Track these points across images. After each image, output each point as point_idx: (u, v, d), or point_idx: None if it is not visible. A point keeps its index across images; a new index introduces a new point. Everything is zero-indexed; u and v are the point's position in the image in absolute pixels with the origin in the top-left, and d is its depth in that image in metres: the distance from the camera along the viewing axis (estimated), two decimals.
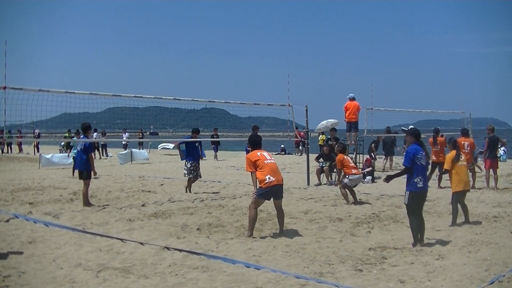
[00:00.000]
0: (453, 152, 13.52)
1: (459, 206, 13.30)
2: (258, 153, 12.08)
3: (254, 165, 11.91)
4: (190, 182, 19.60)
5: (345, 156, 17.71)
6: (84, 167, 16.21)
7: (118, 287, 8.10)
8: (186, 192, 19.13)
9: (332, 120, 26.30)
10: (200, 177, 19.97)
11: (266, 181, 11.67)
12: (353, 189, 16.97)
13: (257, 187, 11.89)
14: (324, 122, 26.42)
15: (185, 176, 19.68)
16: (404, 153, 11.51)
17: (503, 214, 14.16)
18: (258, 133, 26.31)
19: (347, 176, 17.03)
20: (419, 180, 10.92)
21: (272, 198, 12.04)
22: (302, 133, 31.31)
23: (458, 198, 13.36)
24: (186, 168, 19.41)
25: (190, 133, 20.09)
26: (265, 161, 11.87)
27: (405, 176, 11.10)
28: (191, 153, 19.54)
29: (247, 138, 13.68)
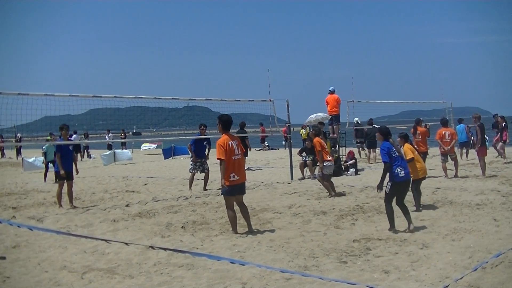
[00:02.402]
0: (408, 144, 14.22)
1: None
2: (229, 143, 11.42)
3: (226, 154, 11.34)
4: (193, 176, 19.76)
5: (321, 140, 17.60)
6: (56, 168, 16.20)
7: None
8: (190, 189, 18.99)
9: (321, 114, 26.29)
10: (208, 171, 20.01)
11: (230, 179, 11.40)
12: (331, 180, 17.00)
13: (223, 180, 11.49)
14: (313, 116, 26.42)
15: (190, 171, 19.76)
16: (380, 151, 11.73)
17: (486, 202, 14.26)
18: (245, 129, 26.31)
19: (324, 163, 17.00)
20: (399, 170, 11.29)
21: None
22: (284, 128, 31.35)
23: (419, 184, 14.04)
24: (192, 163, 19.52)
25: (198, 130, 20.20)
26: (233, 157, 11.42)
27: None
28: (199, 150, 19.63)
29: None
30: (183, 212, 14.61)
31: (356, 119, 27.90)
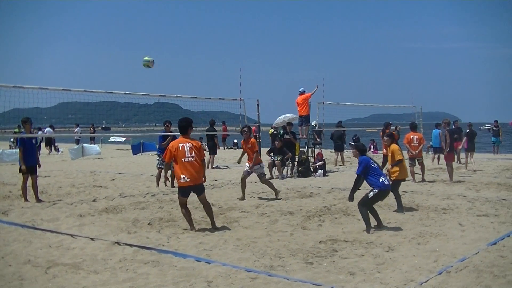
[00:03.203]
0: (395, 145, 14.48)
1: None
2: (180, 145, 11.58)
3: (172, 157, 11.63)
4: (160, 173, 19.71)
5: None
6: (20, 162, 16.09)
7: (68, 283, 8.01)
8: (166, 185, 18.91)
9: (289, 115, 26.33)
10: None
11: (180, 180, 11.61)
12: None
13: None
14: (281, 117, 26.47)
15: (157, 168, 19.78)
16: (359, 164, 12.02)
17: (452, 207, 14.39)
18: (215, 127, 26.26)
19: (260, 165, 16.85)
20: (383, 179, 11.73)
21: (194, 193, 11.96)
22: (254, 127, 31.39)
23: (399, 185, 14.40)
24: (159, 160, 19.55)
25: (163, 127, 20.26)
26: (183, 159, 11.51)
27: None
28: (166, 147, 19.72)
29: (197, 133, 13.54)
30: (150, 209, 14.57)
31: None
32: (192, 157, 11.57)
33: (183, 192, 11.76)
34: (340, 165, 28.90)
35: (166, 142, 19.20)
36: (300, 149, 24.96)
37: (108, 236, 11.08)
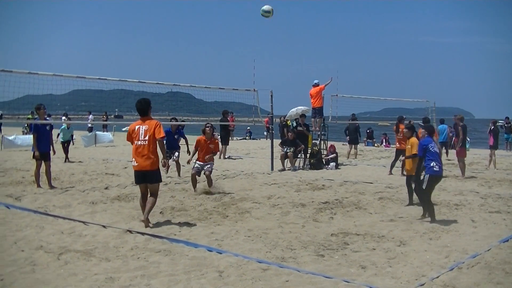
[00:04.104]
0: (415, 138, 14.14)
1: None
2: (137, 127, 11.23)
3: (131, 139, 11.37)
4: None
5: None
6: (33, 149, 16.13)
7: (80, 270, 8.04)
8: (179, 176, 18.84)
9: (302, 107, 26.28)
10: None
11: (132, 164, 11.40)
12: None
13: None
14: (294, 110, 26.42)
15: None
16: (418, 146, 12.57)
17: (464, 202, 14.34)
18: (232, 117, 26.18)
19: (211, 163, 16.23)
20: (435, 164, 11.91)
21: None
22: (266, 119, 31.37)
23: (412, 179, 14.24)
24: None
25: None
26: (136, 142, 11.16)
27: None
28: (168, 142, 19.81)
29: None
30: (162, 198, 14.53)
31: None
32: (145, 140, 11.07)
33: (135, 176, 11.55)
34: (353, 158, 28.84)
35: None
36: (313, 141, 24.92)
37: (120, 224, 11.12)
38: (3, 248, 9.15)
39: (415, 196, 13.56)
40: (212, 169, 16.21)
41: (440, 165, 12.09)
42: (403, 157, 14.70)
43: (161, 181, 11.74)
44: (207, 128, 16.09)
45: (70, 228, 10.76)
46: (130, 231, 10.44)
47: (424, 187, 12.00)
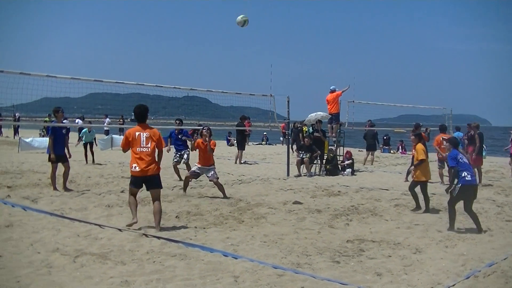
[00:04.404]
0: (421, 144, 14.48)
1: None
2: (136, 134, 11.25)
3: (129, 145, 11.33)
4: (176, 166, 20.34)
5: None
6: (48, 151, 16.25)
7: (95, 273, 8.06)
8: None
9: (321, 113, 26.29)
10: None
11: (132, 169, 11.27)
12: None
13: None
14: (313, 115, 26.41)
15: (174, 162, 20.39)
16: (448, 158, 12.70)
17: (480, 210, 14.23)
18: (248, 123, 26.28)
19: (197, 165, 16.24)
20: (466, 174, 11.83)
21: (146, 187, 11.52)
22: (283, 124, 31.38)
23: (426, 186, 14.65)
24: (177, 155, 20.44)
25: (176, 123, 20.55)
26: (137, 148, 11.16)
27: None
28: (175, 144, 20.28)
29: (231, 127, 13.38)
30: (177, 202, 14.59)
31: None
32: (147, 147, 11.18)
33: (134, 181, 11.42)
34: (369, 165, 28.77)
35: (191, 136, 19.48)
36: (329, 147, 24.91)
37: (135, 228, 11.12)
38: (19, 250, 9.20)
39: (431, 204, 13.53)
40: (216, 174, 16.18)
41: (471, 174, 12.04)
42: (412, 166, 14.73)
43: (162, 187, 11.73)
44: (204, 131, 16.12)
45: (86, 231, 10.79)
46: (146, 235, 10.45)
47: (454, 194, 11.96)
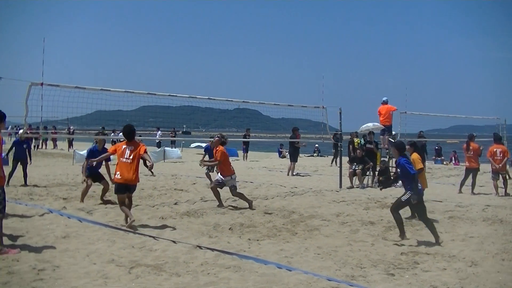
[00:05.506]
0: (416, 154, 14.17)
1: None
2: (123, 147, 12.74)
3: (115, 153, 12.96)
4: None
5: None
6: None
7: (151, 284, 8.14)
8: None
9: (378, 124, 26.14)
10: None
11: (115, 176, 12.72)
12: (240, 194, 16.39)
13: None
14: (370, 124, 26.24)
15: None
16: (399, 166, 12.30)
17: None
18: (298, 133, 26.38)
19: (231, 176, 16.19)
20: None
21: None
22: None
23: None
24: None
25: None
26: (121, 159, 12.58)
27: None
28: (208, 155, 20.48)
29: (285, 140, 13.71)
30: (230, 214, 14.65)
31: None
32: (130, 159, 12.57)
33: (118, 187, 12.79)
34: None
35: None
36: (382, 159, 24.75)
37: (189, 240, 11.19)
38: (76, 260, 9.34)
39: (486, 215, 13.36)
40: (235, 184, 16.28)
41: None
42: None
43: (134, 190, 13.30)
44: (216, 138, 16.63)
45: (140, 242, 10.90)
46: (200, 247, 10.50)
47: (413, 202, 11.88)
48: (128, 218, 12.58)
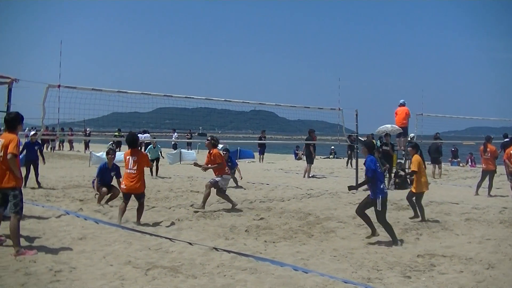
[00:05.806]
0: (418, 156, 14.58)
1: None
2: (128, 157, 13.34)
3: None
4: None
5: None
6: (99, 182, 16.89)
7: (167, 286, 8.16)
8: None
9: (396, 126, 26.06)
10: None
11: (121, 186, 13.78)
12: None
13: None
14: (388, 126, 26.14)
15: None
16: (365, 164, 12.01)
17: None
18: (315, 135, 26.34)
19: (222, 176, 16.32)
20: (383, 185, 11.84)
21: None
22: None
23: (421, 197, 14.70)
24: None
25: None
26: (126, 170, 13.30)
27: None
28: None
29: (301, 141, 13.75)
30: (246, 216, 14.66)
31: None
32: (134, 169, 13.19)
33: (124, 195, 13.51)
34: (438, 178, 28.39)
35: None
36: (398, 161, 24.69)
37: (205, 241, 11.21)
38: (93, 262, 9.37)
39: (503, 218, 13.30)
40: (214, 181, 16.26)
41: (384, 184, 12.15)
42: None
43: (144, 197, 13.69)
44: (207, 141, 16.87)
45: (157, 244, 10.92)
46: (216, 249, 10.51)
47: (379, 209, 11.83)
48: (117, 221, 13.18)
